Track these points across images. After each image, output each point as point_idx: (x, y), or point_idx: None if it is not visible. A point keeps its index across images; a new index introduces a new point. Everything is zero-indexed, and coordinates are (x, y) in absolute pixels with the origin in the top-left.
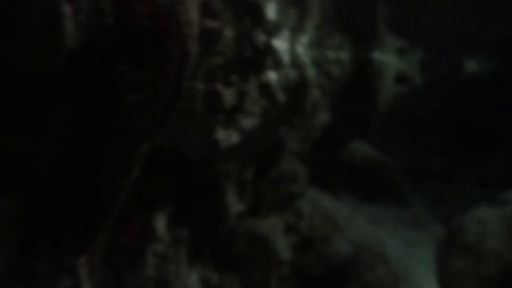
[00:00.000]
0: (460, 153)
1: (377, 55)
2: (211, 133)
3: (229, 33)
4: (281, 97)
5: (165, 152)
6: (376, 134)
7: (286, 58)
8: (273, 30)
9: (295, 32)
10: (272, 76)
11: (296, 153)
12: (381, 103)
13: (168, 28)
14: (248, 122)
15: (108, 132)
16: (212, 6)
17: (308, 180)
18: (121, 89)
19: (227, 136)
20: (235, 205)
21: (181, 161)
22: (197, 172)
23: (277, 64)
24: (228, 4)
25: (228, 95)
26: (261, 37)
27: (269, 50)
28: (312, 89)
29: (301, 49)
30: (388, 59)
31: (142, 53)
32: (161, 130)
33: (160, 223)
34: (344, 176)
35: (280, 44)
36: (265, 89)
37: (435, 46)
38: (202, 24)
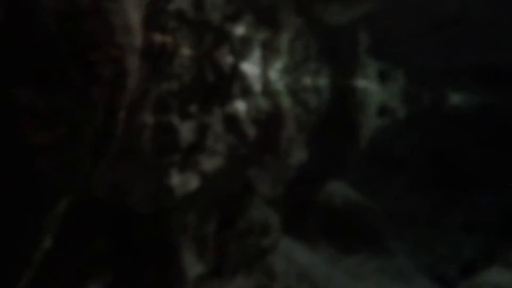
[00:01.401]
0: (442, 193)
1: (360, 83)
2: (163, 178)
3: (186, 51)
4: (250, 131)
5: (103, 203)
6: (354, 172)
7: (256, 84)
8: (241, 50)
9: (267, 54)
10: (240, 106)
11: (268, 198)
12: (363, 138)
13: (93, 34)
14: (210, 163)
15: (4, 190)
16: (163, 19)
17: (282, 229)
18: (20, 125)
19: (183, 181)
20: (193, 266)
21: (124, 214)
22: (145, 228)
23: (246, 92)
24: (185, 17)
25: (185, 130)
26: (227, 59)
27: (237, 75)
28: (288, 122)
29: (274, 75)
30: (372, 87)
31: (52, 72)
32: (95, 178)
33: None
34: (321, 222)
35: (250, 68)
36: (232, 123)
37: (418, 74)
38: (149, 37)
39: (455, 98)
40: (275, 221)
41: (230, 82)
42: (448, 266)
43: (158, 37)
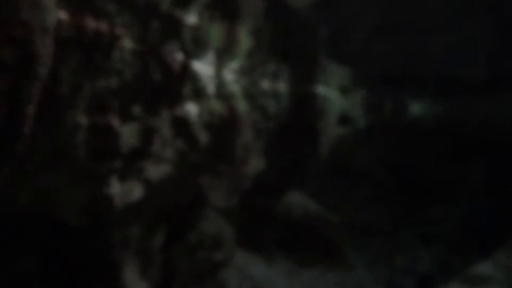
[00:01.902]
0: (401, 205)
1: (321, 89)
2: (101, 187)
3: (128, 44)
4: (202, 137)
5: (29, 215)
6: (314, 183)
7: (210, 86)
8: (193, 46)
9: (222, 52)
10: (191, 109)
11: (221, 209)
12: (323, 147)
13: None
14: (156, 171)
15: None
16: (98, 0)
17: (236, 242)
18: None
19: (125, 191)
20: (136, 284)
21: (56, 227)
22: (80, 243)
23: (198, 94)
24: (127, 3)
25: (127, 134)
26: (176, 55)
27: (188, 74)
28: (244, 127)
29: (230, 76)
30: (333, 94)
31: None
32: (17, 187)
33: None
34: (278, 235)
35: (203, 67)
36: (182, 127)
37: (379, 82)
38: (79, 21)
39: (416, 108)
40: (228, 234)
41: (180, 82)
42: (405, 279)
43: (90, 23)
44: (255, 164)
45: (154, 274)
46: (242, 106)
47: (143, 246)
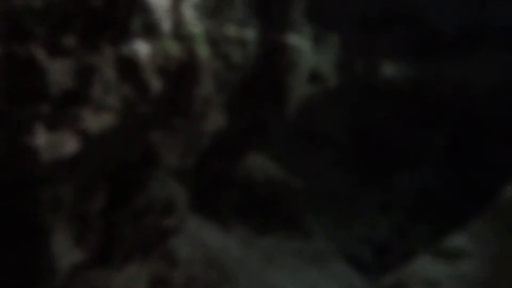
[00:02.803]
0: (363, 171)
1: (292, 39)
2: (23, 136)
3: None
4: (155, 84)
5: None
6: (277, 145)
7: (165, 22)
8: None
9: None
10: (141, 48)
11: (174, 170)
12: (291, 106)
13: None
14: (95, 121)
15: None
16: None
17: (189, 207)
18: None
19: (53, 143)
20: (68, 253)
21: None
22: None
23: (150, 31)
24: None
25: (57, 72)
26: None
27: (137, 4)
28: (204, 76)
29: (190, 13)
30: (305, 47)
31: None
32: None
33: None
34: (236, 199)
35: None
36: (129, 69)
37: (351, 42)
38: None
39: (388, 69)
40: (181, 198)
41: (127, 13)
42: (363, 247)
43: None
44: (215, 120)
45: (91, 242)
46: (203, 51)
47: (78, 210)
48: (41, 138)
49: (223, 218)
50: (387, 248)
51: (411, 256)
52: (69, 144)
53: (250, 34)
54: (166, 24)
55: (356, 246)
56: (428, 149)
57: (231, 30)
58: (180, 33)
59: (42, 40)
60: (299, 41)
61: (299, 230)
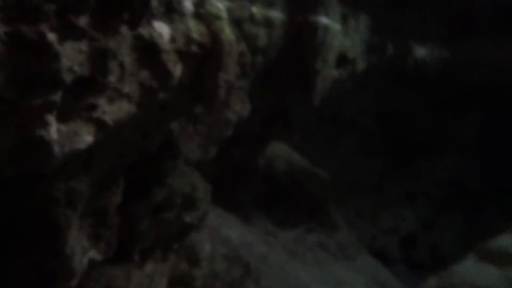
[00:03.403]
0: (390, 159)
1: (323, 20)
2: (33, 128)
3: None
4: (176, 69)
5: None
6: (300, 132)
7: (187, 1)
8: None
9: None
10: (161, 30)
11: (196, 161)
12: (318, 92)
13: None
14: (113, 110)
15: None
16: None
17: (211, 201)
18: None
19: (68, 134)
20: (84, 251)
21: None
22: (8, 200)
23: (171, 10)
24: None
25: (71, 55)
26: None
27: None
28: (228, 61)
29: None
30: (335, 28)
31: None
32: None
33: None
34: (258, 191)
35: None
36: (148, 53)
37: (380, 19)
38: None
39: (420, 52)
40: (204, 191)
41: None
42: (389, 239)
43: None
44: (240, 108)
45: (108, 239)
46: (227, 33)
47: (94, 206)
48: (54, 130)
49: (244, 210)
50: (414, 240)
51: (438, 248)
52: (84, 136)
53: (276, 13)
54: (187, 3)
55: (381, 238)
56: (457, 135)
57: (257, 10)
58: (202, 13)
59: (53, 20)
60: (329, 21)
61: (323, 222)
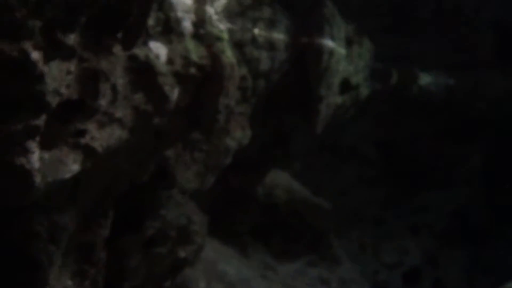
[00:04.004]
0: (393, 189)
1: (328, 43)
2: (13, 156)
3: None
4: (173, 93)
5: None
6: (300, 160)
7: (187, 21)
8: None
9: None
10: (158, 50)
11: (191, 191)
12: (320, 119)
13: None
14: (103, 136)
15: None
16: None
17: (206, 234)
18: None
19: (52, 163)
20: None
21: None
22: None
23: (170, 30)
24: None
25: (57, 76)
26: None
27: None
28: (229, 85)
29: (214, 12)
30: (339, 52)
31: None
32: None
33: None
34: (256, 221)
35: None
36: (143, 75)
37: (384, 44)
38: None
39: (425, 79)
40: (200, 224)
41: (144, 7)
42: (391, 273)
43: None
44: (239, 135)
45: (93, 277)
46: (228, 55)
47: (79, 240)
48: (36, 157)
49: (242, 242)
50: (417, 275)
51: (443, 284)
52: (70, 164)
53: (280, 35)
54: (187, 23)
55: (383, 272)
56: (462, 166)
57: (259, 31)
58: (202, 34)
59: (37, 37)
60: (335, 44)
61: (324, 256)
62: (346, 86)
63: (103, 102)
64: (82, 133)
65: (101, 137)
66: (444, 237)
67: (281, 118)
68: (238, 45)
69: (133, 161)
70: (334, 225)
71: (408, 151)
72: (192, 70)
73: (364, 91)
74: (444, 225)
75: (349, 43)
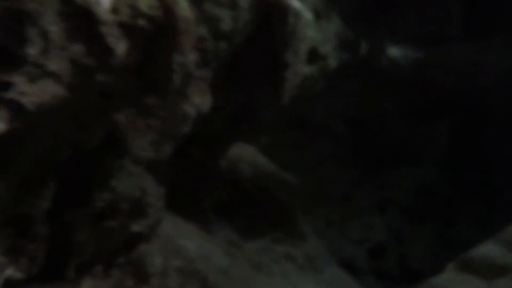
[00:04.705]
0: (360, 166)
1: (294, 3)
2: None
3: None
4: (119, 46)
5: None
6: (267, 134)
7: None
8: None
9: None
10: None
11: (146, 161)
12: (288, 88)
13: None
14: (34, 92)
15: None
16: None
17: (165, 206)
18: None
19: None
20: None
21: None
22: None
23: None
24: None
25: None
26: None
27: None
28: (185, 41)
29: None
30: (307, 15)
31: None
32: None
33: None
34: (220, 197)
35: None
36: (82, 23)
37: (354, 15)
38: None
39: (394, 52)
40: (156, 196)
41: None
42: (357, 250)
43: None
44: (198, 101)
45: (32, 253)
46: (184, 7)
47: (14, 212)
48: None
49: (205, 218)
50: (383, 251)
51: (408, 259)
52: None
53: None
54: None
55: (349, 249)
56: (428, 143)
57: None
58: None
59: None
60: (302, 6)
61: (290, 232)
62: (314, 55)
63: (31, 50)
64: (6, 86)
65: (31, 92)
66: (411, 214)
67: (247, 87)
68: (196, 2)
69: (76, 124)
70: (301, 202)
71: (376, 129)
72: (141, 21)
73: (333, 62)
74: (411, 202)
75: (316, 9)
